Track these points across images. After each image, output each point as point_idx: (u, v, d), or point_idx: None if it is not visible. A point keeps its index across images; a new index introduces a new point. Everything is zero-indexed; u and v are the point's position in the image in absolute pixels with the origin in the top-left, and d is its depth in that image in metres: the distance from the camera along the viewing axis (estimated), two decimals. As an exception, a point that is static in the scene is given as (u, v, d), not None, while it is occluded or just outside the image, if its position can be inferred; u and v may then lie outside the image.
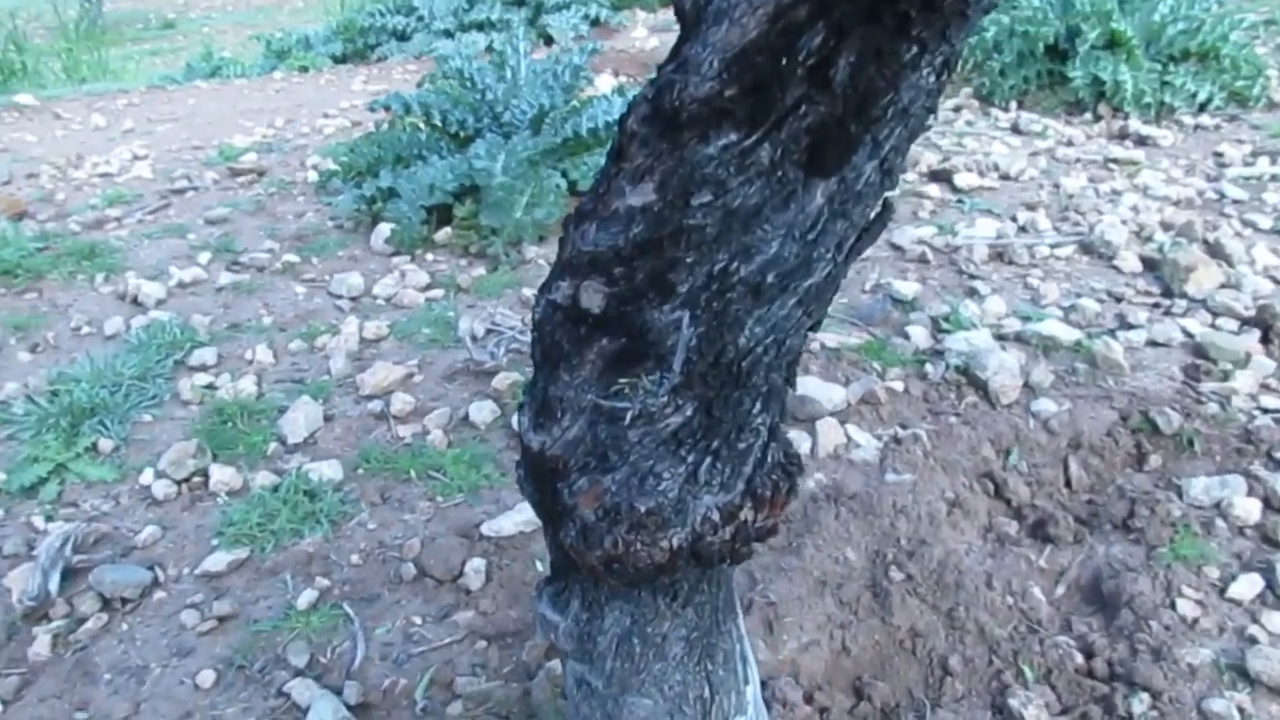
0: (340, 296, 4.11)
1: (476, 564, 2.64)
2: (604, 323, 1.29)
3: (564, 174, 4.63)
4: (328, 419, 3.30)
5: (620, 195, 1.23)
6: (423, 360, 3.63)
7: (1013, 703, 2.34)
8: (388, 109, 4.78)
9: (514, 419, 3.22)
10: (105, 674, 2.38)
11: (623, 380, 1.25)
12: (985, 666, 2.50)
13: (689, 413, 1.24)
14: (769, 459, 1.28)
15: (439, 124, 4.86)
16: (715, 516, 1.25)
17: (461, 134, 4.91)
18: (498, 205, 4.44)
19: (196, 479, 3.01)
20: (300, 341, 3.76)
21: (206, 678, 2.34)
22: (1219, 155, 5.45)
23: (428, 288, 4.15)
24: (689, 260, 1.23)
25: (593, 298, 1.28)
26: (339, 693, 2.28)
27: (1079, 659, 2.49)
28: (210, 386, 3.48)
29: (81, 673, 2.39)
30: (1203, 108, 6.07)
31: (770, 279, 1.23)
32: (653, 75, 1.24)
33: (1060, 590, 2.77)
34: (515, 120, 4.76)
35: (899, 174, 1.27)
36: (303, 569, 2.68)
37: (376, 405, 3.34)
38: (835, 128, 1.14)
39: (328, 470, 2.96)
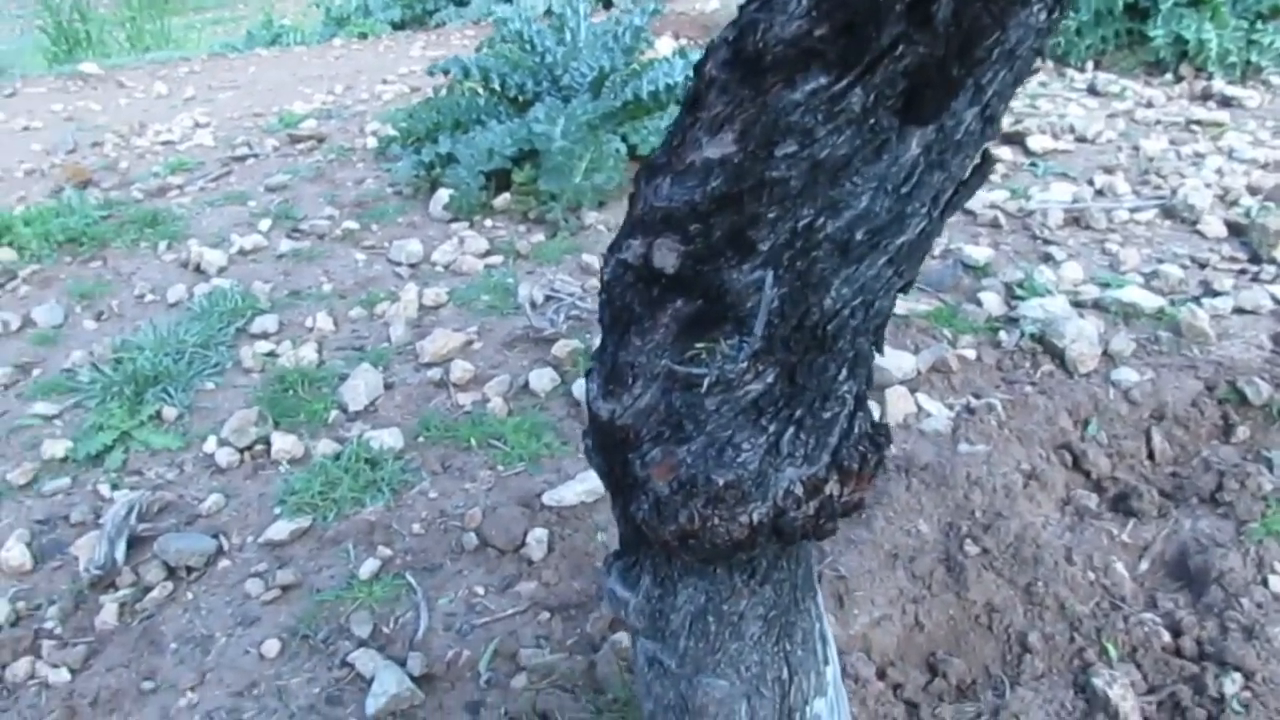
0: (399, 263, 4.08)
1: (539, 534, 2.60)
2: (678, 283, 1.21)
3: (624, 138, 4.54)
4: (388, 387, 3.27)
5: (697, 147, 1.15)
6: (482, 327, 3.58)
7: (1097, 682, 2.24)
8: (446, 73, 4.72)
9: (580, 386, 3.16)
10: (171, 643, 2.38)
11: (699, 345, 1.18)
12: (1066, 644, 2.40)
13: (770, 380, 1.16)
14: (855, 429, 1.20)
15: (498, 88, 4.79)
16: (798, 490, 1.17)
17: (520, 98, 4.84)
18: (557, 170, 4.37)
19: (259, 447, 3.00)
20: (360, 309, 3.74)
21: (271, 647, 2.33)
22: (1307, 113, 5.19)
23: (486, 254, 4.11)
24: (771, 216, 1.15)
25: (666, 257, 1.21)
26: (403, 664, 2.25)
27: (1166, 637, 2.37)
28: (271, 354, 3.47)
29: (148, 642, 2.39)
30: (1291, 66, 5.80)
31: (859, 236, 1.15)
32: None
33: (1144, 565, 2.65)
34: (575, 84, 4.67)
35: (1000, 122, 1.17)
36: (364, 538, 2.65)
37: (436, 373, 3.30)
38: (934, 70, 1.05)
39: (388, 438, 2.93)
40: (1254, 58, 5.71)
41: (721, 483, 1.16)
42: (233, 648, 2.35)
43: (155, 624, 2.44)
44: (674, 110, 4.62)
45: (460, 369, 3.28)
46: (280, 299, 3.86)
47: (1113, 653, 2.36)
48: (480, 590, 2.49)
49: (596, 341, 3.34)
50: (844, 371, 1.19)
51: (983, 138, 1.14)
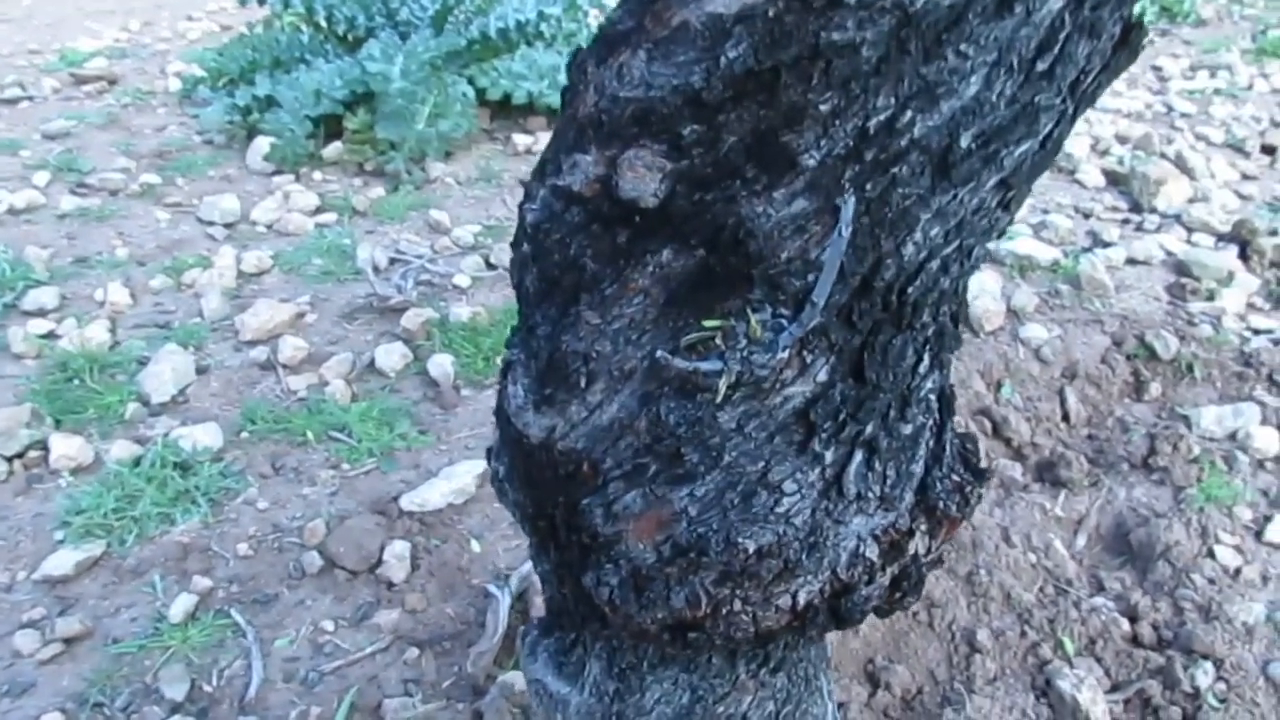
0: (212, 223, 3.44)
1: (398, 548, 2.08)
2: (665, 224, 0.73)
3: (471, 81, 3.98)
4: (201, 371, 2.66)
5: (703, -9, 0.68)
6: (315, 297, 2.99)
7: (1062, 684, 1.91)
8: (262, 3, 4.02)
9: (439, 363, 2.63)
10: (-93, 726, 1.75)
11: (708, 324, 0.71)
12: (1018, 639, 2.07)
13: (824, 377, 0.70)
14: (947, 449, 0.76)
15: (324, 23, 4.13)
16: (872, 552, 0.71)
17: (351, 35, 4.20)
18: (396, 115, 3.77)
19: (33, 454, 2.35)
20: (164, 278, 3.08)
21: (49, 723, 1.74)
22: (1158, 69, 5.12)
23: (318, 211, 3.53)
24: (825, 109, 0.68)
25: (644, 181, 0.73)
26: (230, 734, 1.70)
27: (1124, 625, 2.08)
28: (50, 335, 2.78)
29: (-127, 725, 1.75)
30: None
31: (965, 141, 0.69)
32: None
33: (1081, 541, 2.36)
34: (414, 18, 4.06)
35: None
36: (175, 566, 2.07)
37: (261, 352, 2.71)
38: None
39: (203, 436, 2.35)
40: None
41: (751, 548, 0.69)
42: (-4, 729, 1.75)
43: (-115, 702, 1.80)
44: (527, 51, 4.08)
45: (290, 347, 2.70)
46: (61, 268, 3.14)
47: (1069, 647, 2.04)
48: (329, 625, 1.96)
49: (453, 312, 2.79)
50: (926, 359, 0.74)
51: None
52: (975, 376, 2.76)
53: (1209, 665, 1.96)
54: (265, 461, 2.38)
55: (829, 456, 0.70)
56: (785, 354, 0.68)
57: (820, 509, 0.70)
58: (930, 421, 0.74)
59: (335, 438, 2.44)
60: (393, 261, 3.19)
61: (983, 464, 0.79)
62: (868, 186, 0.69)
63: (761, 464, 0.70)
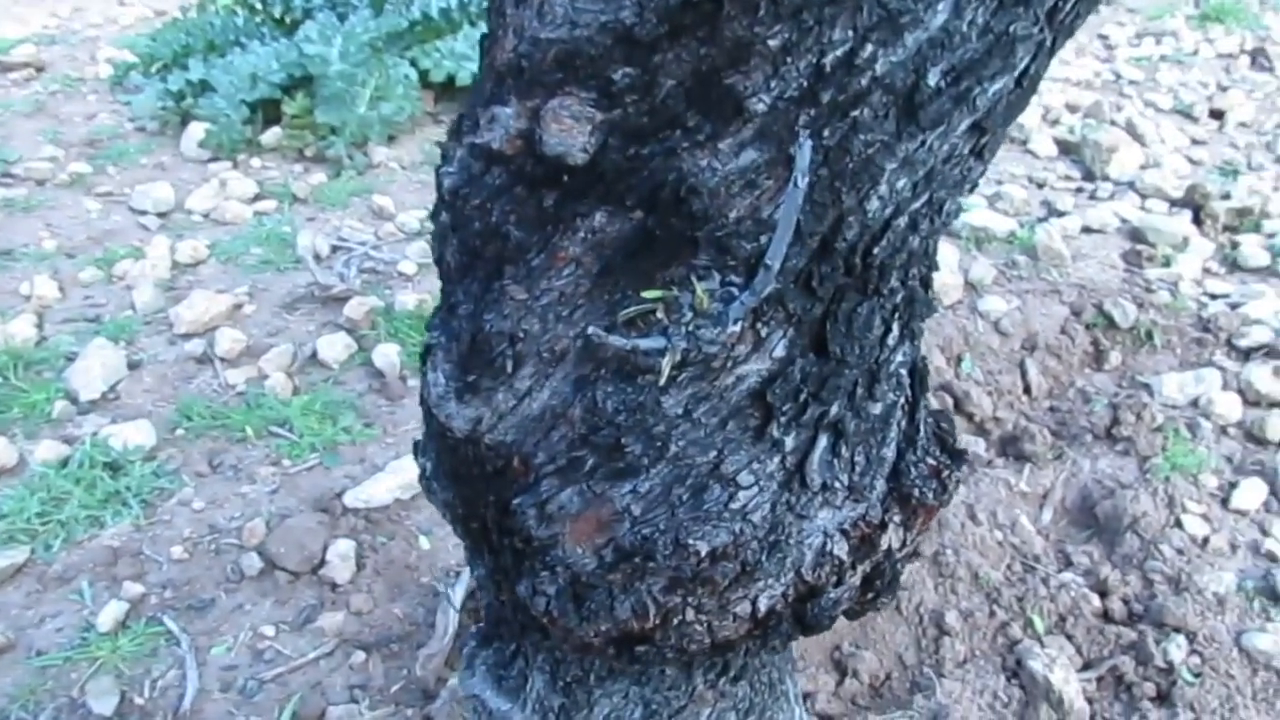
0: (145, 213, 3.29)
1: (342, 547, 1.97)
2: (597, 183, 0.64)
3: (413, 62, 3.84)
4: (133, 367, 2.53)
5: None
6: (254, 287, 2.86)
7: (1033, 664, 1.86)
8: (191, -15, 3.85)
9: (384, 353, 2.51)
10: None
11: (648, 295, 0.61)
12: (987, 619, 2.01)
13: (781, 351, 0.61)
14: (920, 430, 0.67)
15: (259, 4, 3.97)
16: (840, 549, 0.63)
17: (287, 17, 4.05)
18: (336, 99, 3.63)
19: (-50, 458, 2.20)
20: (94, 269, 2.93)
21: (-34, 747, 1.62)
22: (1104, 37, 5.10)
23: (256, 199, 3.39)
24: (774, 43, 0.59)
25: (570, 133, 0.63)
26: (163, 752, 1.60)
27: (1095, 601, 2.02)
28: (-29, 332, 2.62)
29: None
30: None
31: (934, 78, 0.60)
32: None
33: (1047, 515, 2.30)
34: (350, -3, 3.91)
35: None
36: (105, 572, 1.95)
37: (196, 345, 2.58)
38: None
39: (135, 434, 2.22)
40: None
41: (704, 550, 0.60)
42: (-92, 756, 1.62)
43: None
44: (471, 31, 3.95)
45: (228, 339, 2.57)
46: (-16, 262, 2.98)
47: (1039, 625, 1.99)
48: (269, 630, 1.86)
49: (399, 300, 2.67)
50: (895, 328, 0.65)
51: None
52: (935, 351, 2.70)
53: (1181, 639, 1.92)
54: (201, 459, 2.25)
55: (789, 443, 0.61)
56: (737, 327, 0.59)
57: (781, 503, 0.61)
58: (902, 399, 0.66)
59: (275, 433, 2.32)
60: (335, 249, 3.07)
61: (960, 444, 0.71)
62: (825, 133, 0.60)
63: (713, 454, 0.60)
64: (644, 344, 0.59)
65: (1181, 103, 4.19)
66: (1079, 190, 3.58)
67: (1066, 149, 3.83)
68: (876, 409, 0.64)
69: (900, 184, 0.62)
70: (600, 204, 0.63)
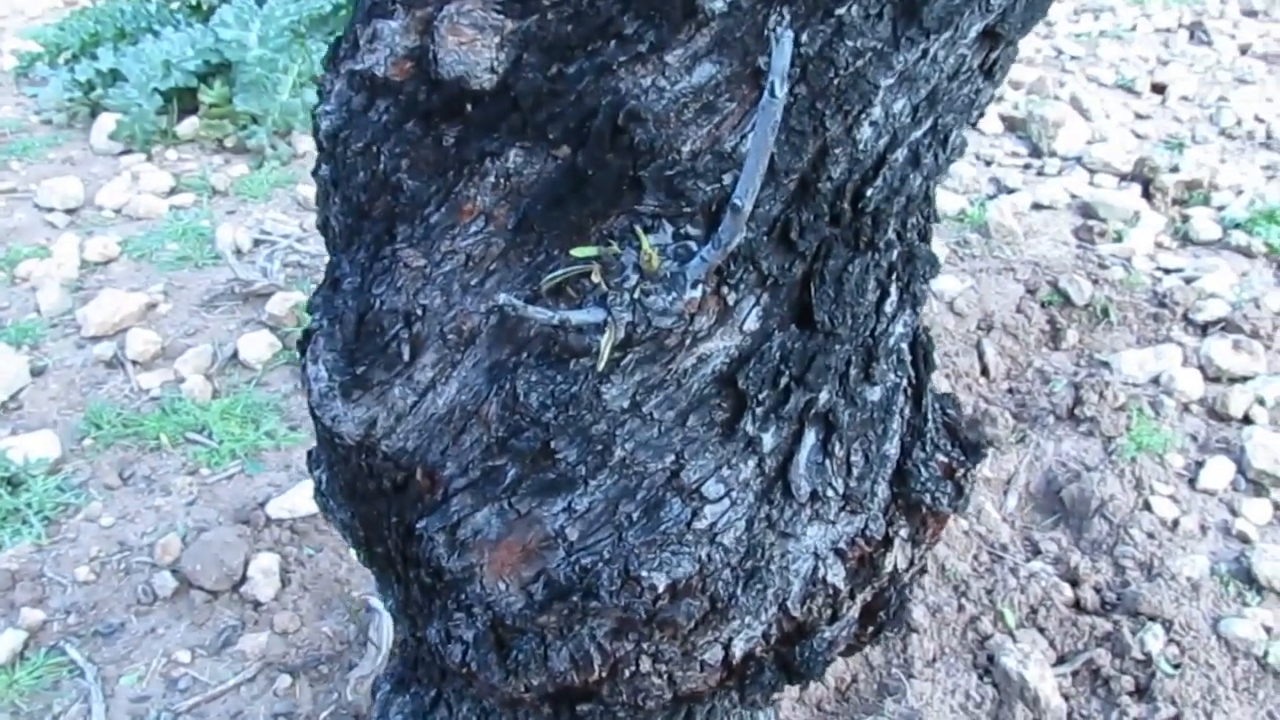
0: (51, 209, 3.08)
1: (266, 561, 1.81)
2: (508, 112, 0.49)
3: (337, 45, 3.63)
4: (36, 373, 2.33)
5: None
6: (170, 284, 2.67)
7: (1006, 661, 1.75)
8: (98, -32, 3.62)
9: (303, 371, 2.34)
10: None
11: (579, 254, 0.47)
12: (956, 614, 1.90)
13: (754, 324, 0.48)
14: (929, 419, 0.53)
15: (170, -11, 3.75)
16: (836, 574, 0.49)
17: (202, 2, 3.82)
18: (256, 86, 3.43)
19: None
20: (-5, 271, 2.71)
21: None
22: (1043, 12, 5.06)
23: (172, 192, 3.20)
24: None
25: (472, 48, 0.49)
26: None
27: (1066, 590, 1.92)
28: None
29: None
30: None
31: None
32: None
33: (1011, 501, 2.20)
34: (268, -21, 3.70)
35: None
36: (1, 598, 1.76)
37: (106, 349, 2.39)
38: None
39: (38, 446, 2.06)
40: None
41: (661, 584, 0.46)
42: None
43: None
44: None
45: (141, 341, 2.38)
46: None
47: (1010, 619, 1.88)
48: (184, 656, 1.69)
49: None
50: (894, 292, 0.52)
51: None
52: (890, 333, 2.59)
53: (1158, 627, 1.82)
54: (111, 471, 2.07)
55: (768, 440, 0.47)
56: (697, 292, 0.45)
57: (760, 519, 0.46)
58: (904, 381, 0.52)
59: (193, 440, 2.14)
60: (257, 243, 2.88)
61: (973, 435, 0.58)
62: (803, 38, 0.46)
63: (670, 458, 0.46)
64: (576, 317, 0.45)
65: (1123, 77, 4.14)
66: (1027, 166, 3.51)
67: (1013, 125, 3.77)
68: (875, 394, 0.50)
69: (898, 106, 0.48)
70: (515, 139, 0.49)
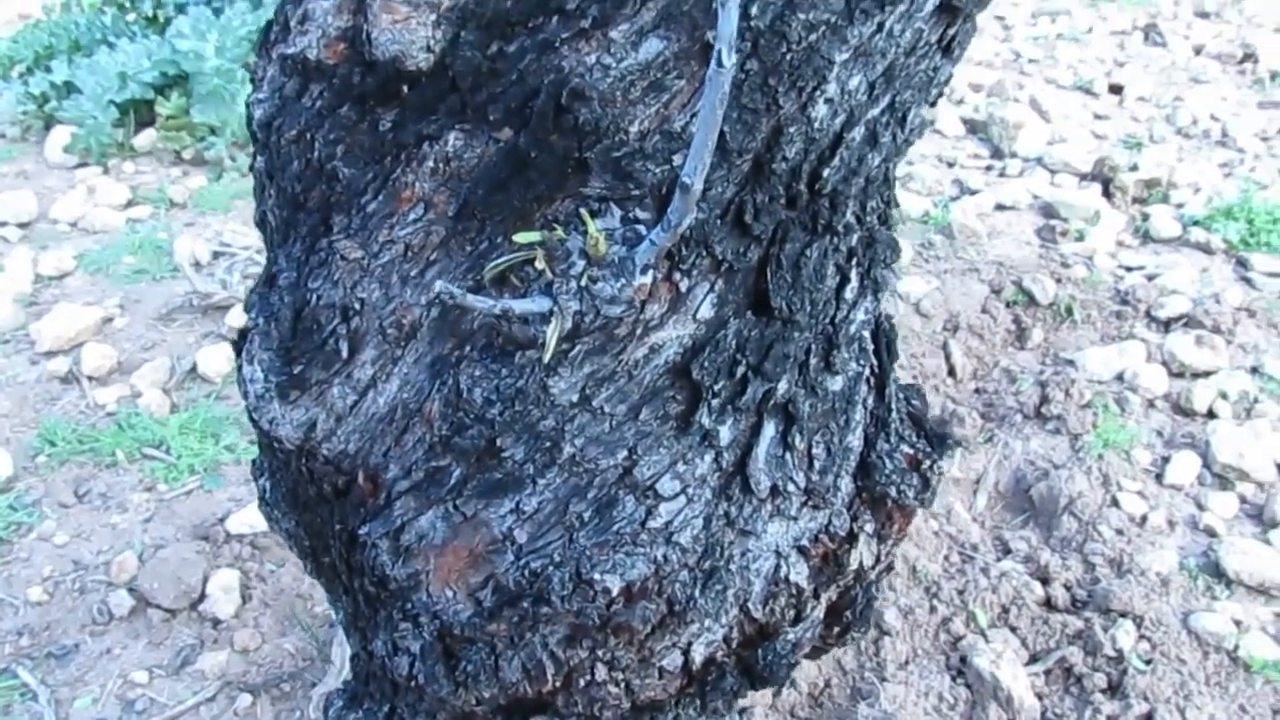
0: (4, 224, 3.03)
1: (225, 578, 1.77)
2: (446, 94, 0.46)
3: (296, 54, 3.59)
4: (-13, 390, 2.26)
5: None
6: (126, 298, 2.62)
7: (979, 661, 1.74)
8: (51, -20, 3.56)
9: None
10: None
11: (522, 239, 0.45)
12: (927, 615, 1.89)
13: (708, 311, 0.45)
14: (893, 410, 0.51)
15: (128, 1, 3.69)
16: (799, 573, 0.46)
17: (159, 14, 3.77)
18: (214, 97, 3.38)
19: None
20: (-56, 287, 2.64)
21: None
22: (1001, 18, 5.10)
23: (129, 205, 3.15)
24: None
25: (408, 26, 0.46)
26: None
27: (1037, 589, 1.91)
28: None
29: None
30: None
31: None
32: None
33: (981, 501, 2.19)
34: (225, -12, 3.65)
35: None
36: (-51, 622, 1.70)
37: (61, 364, 2.34)
38: None
39: (-12, 465, 1.97)
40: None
41: (615, 587, 0.44)
42: None
43: None
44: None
45: (96, 356, 2.33)
46: None
47: (982, 618, 1.87)
48: (141, 676, 1.65)
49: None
50: (854, 278, 0.49)
51: None
52: (857, 335, 2.58)
53: (1129, 624, 1.82)
54: (66, 488, 2.02)
55: (725, 434, 0.44)
56: (647, 278, 0.43)
57: (718, 516, 0.44)
58: (866, 370, 0.50)
59: (150, 455, 2.09)
60: (216, 255, 2.83)
61: (945, 431, 0.56)
62: (754, 11, 0.43)
63: (623, 454, 0.43)
64: (520, 307, 0.43)
65: (1081, 79, 4.18)
66: (989, 168, 3.53)
67: (974, 128, 3.79)
68: (836, 384, 0.48)
69: (853, 83, 0.46)
70: (454, 122, 0.46)
